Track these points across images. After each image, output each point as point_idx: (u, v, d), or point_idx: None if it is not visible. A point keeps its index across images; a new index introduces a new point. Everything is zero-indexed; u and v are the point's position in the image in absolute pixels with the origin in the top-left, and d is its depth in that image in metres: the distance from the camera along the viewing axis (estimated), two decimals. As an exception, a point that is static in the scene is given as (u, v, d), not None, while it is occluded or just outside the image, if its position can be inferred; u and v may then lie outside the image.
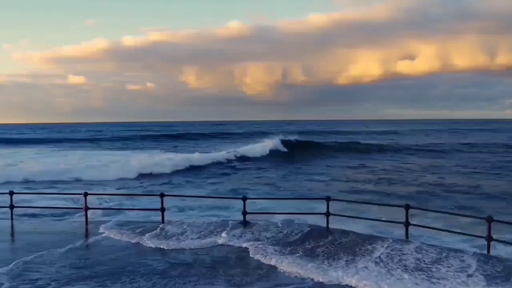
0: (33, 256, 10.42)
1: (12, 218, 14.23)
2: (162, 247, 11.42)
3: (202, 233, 12.46)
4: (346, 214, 13.57)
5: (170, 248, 11.32)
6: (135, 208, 17.79)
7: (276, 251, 10.62)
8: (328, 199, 12.63)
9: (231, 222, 13.36)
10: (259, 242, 11.38)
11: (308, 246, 11.02)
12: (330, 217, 12.64)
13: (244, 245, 11.25)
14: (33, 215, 16.95)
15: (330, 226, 12.60)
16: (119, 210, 17.38)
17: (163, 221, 13.48)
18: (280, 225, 13.01)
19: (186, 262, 10.11)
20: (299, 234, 12.04)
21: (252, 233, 12.26)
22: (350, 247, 10.75)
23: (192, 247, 11.34)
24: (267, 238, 11.82)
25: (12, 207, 14.27)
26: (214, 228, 12.81)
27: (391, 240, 11.08)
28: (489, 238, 9.98)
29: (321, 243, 11.12)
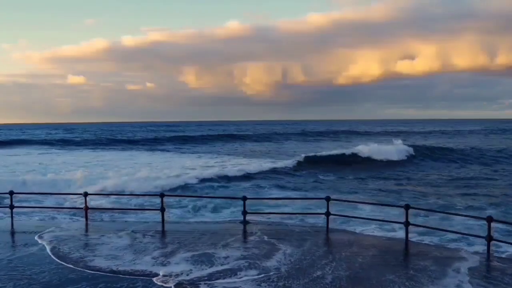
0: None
1: (12, 218, 14.21)
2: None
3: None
4: (346, 214, 13.61)
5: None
6: (135, 208, 17.83)
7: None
8: (328, 199, 12.63)
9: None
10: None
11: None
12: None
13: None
14: (33, 215, 16.97)
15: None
16: (119, 210, 17.38)
17: (163, 221, 13.45)
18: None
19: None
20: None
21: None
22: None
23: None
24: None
25: (12, 207, 14.25)
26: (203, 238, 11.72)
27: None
28: (489, 238, 9.97)
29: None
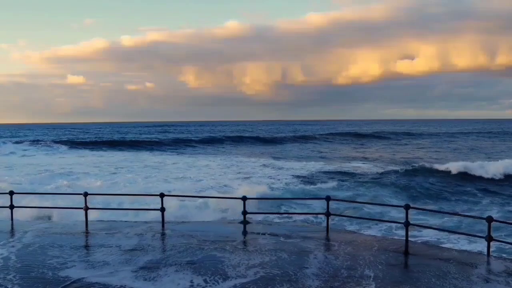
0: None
1: (12, 218, 14.20)
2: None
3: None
4: (346, 214, 13.63)
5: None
6: (135, 208, 17.79)
7: None
8: (328, 199, 12.62)
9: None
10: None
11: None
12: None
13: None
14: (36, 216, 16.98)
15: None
16: (119, 210, 17.35)
17: (163, 222, 13.44)
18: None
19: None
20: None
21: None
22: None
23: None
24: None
25: (12, 207, 14.25)
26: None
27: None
28: (489, 238, 9.96)
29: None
